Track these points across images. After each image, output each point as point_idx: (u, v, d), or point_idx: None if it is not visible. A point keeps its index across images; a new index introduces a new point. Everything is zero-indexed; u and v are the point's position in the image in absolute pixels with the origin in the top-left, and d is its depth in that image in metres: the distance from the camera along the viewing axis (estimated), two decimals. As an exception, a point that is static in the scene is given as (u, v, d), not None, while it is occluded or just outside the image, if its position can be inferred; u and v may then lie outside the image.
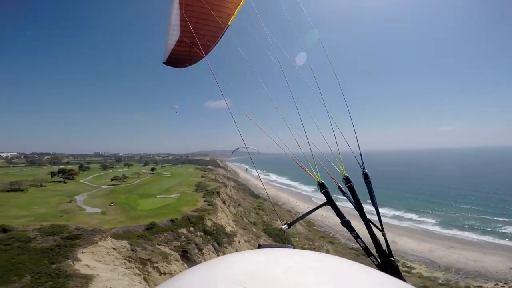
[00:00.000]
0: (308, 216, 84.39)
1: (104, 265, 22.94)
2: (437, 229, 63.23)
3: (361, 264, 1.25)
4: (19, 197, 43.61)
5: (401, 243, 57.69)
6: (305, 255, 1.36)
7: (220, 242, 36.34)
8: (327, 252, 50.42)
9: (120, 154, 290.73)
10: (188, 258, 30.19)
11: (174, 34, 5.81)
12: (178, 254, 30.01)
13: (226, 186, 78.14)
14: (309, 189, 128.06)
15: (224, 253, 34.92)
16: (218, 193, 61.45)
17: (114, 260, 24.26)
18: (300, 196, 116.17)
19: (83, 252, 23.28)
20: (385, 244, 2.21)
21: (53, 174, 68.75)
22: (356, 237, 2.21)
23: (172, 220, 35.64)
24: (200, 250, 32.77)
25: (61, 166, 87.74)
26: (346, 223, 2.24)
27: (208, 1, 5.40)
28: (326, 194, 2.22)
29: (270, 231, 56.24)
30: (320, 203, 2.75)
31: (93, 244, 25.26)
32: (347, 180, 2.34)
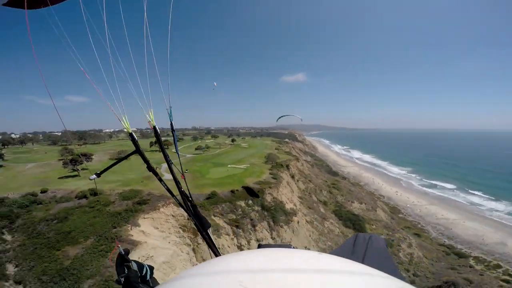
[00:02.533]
0: (395, 202, 72.40)
1: (160, 232, 24.25)
2: None
3: (361, 264, 1.25)
4: (121, 164, 53.08)
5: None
6: (305, 255, 1.31)
7: (277, 220, 33.81)
8: (410, 246, 41.37)
9: (212, 128, 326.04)
10: (239, 234, 29.31)
11: None
12: (231, 228, 29.46)
13: (298, 160, 74.19)
14: (399, 171, 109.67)
15: (278, 233, 32.52)
16: (287, 166, 58.58)
17: (170, 228, 25.39)
18: (387, 177, 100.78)
19: (144, 218, 25.19)
20: (186, 186, 2.33)
21: (151, 144, 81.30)
22: (160, 180, 2.25)
23: (232, 191, 35.34)
24: (254, 226, 31.27)
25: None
26: (151, 169, 2.17)
27: None
28: (135, 144, 2.08)
29: (342, 213, 50.08)
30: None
31: (155, 210, 27.08)
32: (155, 129, 2.24)
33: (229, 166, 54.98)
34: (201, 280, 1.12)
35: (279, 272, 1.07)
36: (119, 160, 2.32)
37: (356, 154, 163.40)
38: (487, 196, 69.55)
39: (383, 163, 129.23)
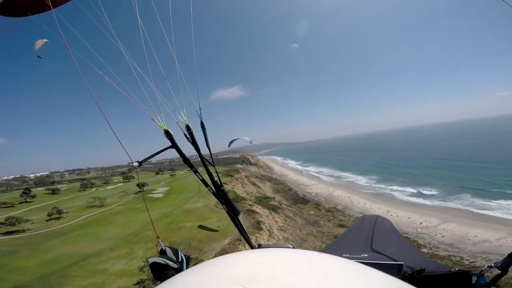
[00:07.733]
0: (400, 229, 40.21)
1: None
2: None
3: (361, 264, 1.22)
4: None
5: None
6: (305, 255, 1.28)
7: None
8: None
9: (152, 161, 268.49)
10: None
11: None
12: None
13: (274, 211, 38.62)
14: (368, 182, 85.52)
15: None
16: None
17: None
18: (363, 194, 74.21)
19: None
20: (217, 176, 2.43)
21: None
22: (196, 171, 2.34)
23: None
24: None
25: None
26: (187, 161, 2.36)
27: None
28: (171, 139, 2.25)
29: None
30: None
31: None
32: (188, 127, 2.40)
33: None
34: (202, 280, 1.07)
35: (279, 272, 1.03)
36: (157, 152, 2.33)
37: (313, 168, 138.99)
38: (485, 196, 48.82)
39: (346, 174, 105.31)
